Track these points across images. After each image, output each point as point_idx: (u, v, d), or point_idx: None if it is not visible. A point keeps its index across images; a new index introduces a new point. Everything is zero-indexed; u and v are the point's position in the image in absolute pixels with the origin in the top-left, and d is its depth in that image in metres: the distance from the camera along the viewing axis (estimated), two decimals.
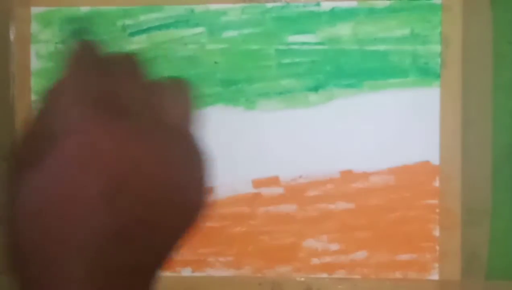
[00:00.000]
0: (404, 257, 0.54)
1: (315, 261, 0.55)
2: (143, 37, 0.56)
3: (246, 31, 0.56)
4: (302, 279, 0.55)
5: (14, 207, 0.22)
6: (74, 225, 0.21)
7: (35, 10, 0.57)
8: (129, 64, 0.25)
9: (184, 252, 0.55)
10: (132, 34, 0.56)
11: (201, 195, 0.24)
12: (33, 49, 0.57)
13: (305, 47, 0.55)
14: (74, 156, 0.21)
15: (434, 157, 0.54)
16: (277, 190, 0.55)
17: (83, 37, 0.26)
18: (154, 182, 0.22)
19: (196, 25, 0.56)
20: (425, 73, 0.54)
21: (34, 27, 0.57)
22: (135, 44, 0.56)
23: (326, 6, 0.55)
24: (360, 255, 0.55)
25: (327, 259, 0.55)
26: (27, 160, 0.22)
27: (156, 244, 0.23)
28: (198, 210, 0.24)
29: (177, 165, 0.23)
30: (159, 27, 0.56)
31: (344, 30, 0.55)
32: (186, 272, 0.56)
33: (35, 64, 0.57)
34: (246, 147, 0.55)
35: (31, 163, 0.22)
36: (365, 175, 0.54)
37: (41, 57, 0.57)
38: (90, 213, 0.21)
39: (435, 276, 0.54)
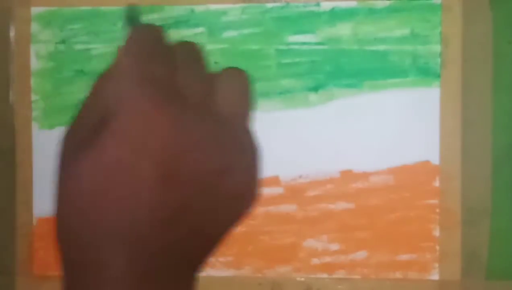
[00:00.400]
0: (404, 257, 0.54)
1: (315, 261, 0.55)
2: None
3: (246, 31, 0.56)
4: (302, 279, 0.55)
5: (65, 190, 0.22)
6: (125, 207, 0.21)
7: (35, 10, 0.57)
8: (189, 52, 0.25)
9: None
10: None
11: (252, 185, 0.24)
12: (33, 49, 0.57)
13: (305, 47, 0.55)
14: (128, 136, 0.21)
15: (434, 157, 0.54)
16: (277, 190, 0.55)
17: (140, 20, 0.26)
18: (206, 169, 0.22)
19: (196, 25, 0.56)
20: (425, 73, 0.54)
21: (34, 27, 0.57)
22: None
23: (326, 6, 0.55)
24: (360, 255, 0.55)
25: (327, 259, 0.55)
26: (80, 142, 0.22)
27: (205, 231, 0.23)
28: (248, 200, 0.24)
29: (229, 155, 0.23)
30: None
31: (344, 30, 0.55)
32: None
33: (35, 64, 0.57)
34: None
35: (84, 144, 0.22)
36: (365, 175, 0.54)
37: (41, 57, 0.57)
38: (141, 195, 0.21)
39: (435, 276, 0.54)
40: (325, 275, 0.55)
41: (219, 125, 0.23)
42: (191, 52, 0.25)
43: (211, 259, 0.59)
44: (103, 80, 0.24)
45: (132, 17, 0.26)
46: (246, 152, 0.24)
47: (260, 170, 0.24)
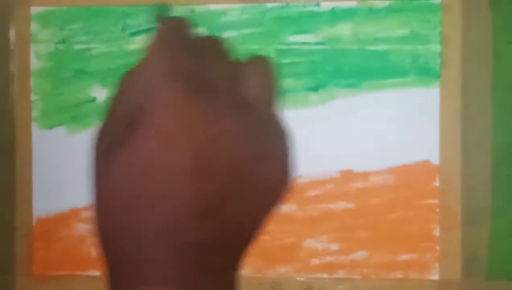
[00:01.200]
0: (404, 257, 0.54)
1: (315, 261, 0.55)
2: (143, 37, 0.56)
3: (246, 31, 0.56)
4: (302, 279, 0.55)
5: (102, 189, 0.22)
6: (161, 201, 0.21)
7: (35, 10, 0.57)
8: (214, 44, 0.25)
9: None
10: (132, 34, 0.56)
11: (285, 171, 0.24)
12: (33, 49, 0.57)
13: (305, 47, 0.55)
14: (160, 130, 0.21)
15: (434, 157, 0.54)
16: None
17: (169, 16, 0.26)
18: (239, 157, 0.22)
19: (196, 25, 0.56)
20: (425, 73, 0.54)
21: (34, 27, 0.57)
22: (135, 44, 0.56)
23: (326, 6, 0.55)
24: (360, 255, 0.54)
25: (327, 259, 0.55)
26: (113, 140, 0.22)
27: (241, 221, 0.23)
28: (282, 186, 0.24)
29: (261, 142, 0.23)
30: None
31: (344, 30, 0.55)
32: None
33: (35, 64, 0.57)
34: None
35: (118, 142, 0.22)
36: (365, 175, 0.54)
37: (41, 57, 0.57)
38: (175, 188, 0.21)
39: (435, 276, 0.54)
40: (325, 275, 0.55)
41: (248, 112, 0.23)
42: (215, 43, 0.25)
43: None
44: (131, 77, 0.24)
45: (161, 14, 0.26)
46: (277, 138, 0.24)
47: (292, 156, 0.25)
